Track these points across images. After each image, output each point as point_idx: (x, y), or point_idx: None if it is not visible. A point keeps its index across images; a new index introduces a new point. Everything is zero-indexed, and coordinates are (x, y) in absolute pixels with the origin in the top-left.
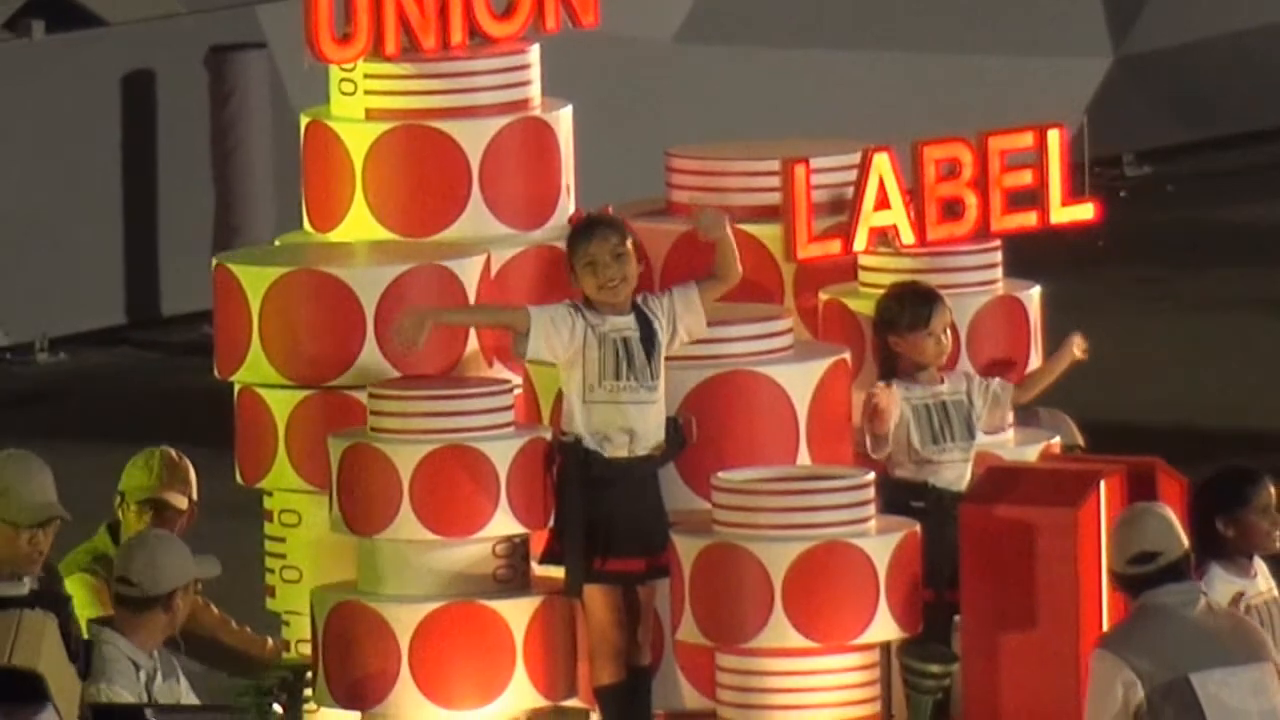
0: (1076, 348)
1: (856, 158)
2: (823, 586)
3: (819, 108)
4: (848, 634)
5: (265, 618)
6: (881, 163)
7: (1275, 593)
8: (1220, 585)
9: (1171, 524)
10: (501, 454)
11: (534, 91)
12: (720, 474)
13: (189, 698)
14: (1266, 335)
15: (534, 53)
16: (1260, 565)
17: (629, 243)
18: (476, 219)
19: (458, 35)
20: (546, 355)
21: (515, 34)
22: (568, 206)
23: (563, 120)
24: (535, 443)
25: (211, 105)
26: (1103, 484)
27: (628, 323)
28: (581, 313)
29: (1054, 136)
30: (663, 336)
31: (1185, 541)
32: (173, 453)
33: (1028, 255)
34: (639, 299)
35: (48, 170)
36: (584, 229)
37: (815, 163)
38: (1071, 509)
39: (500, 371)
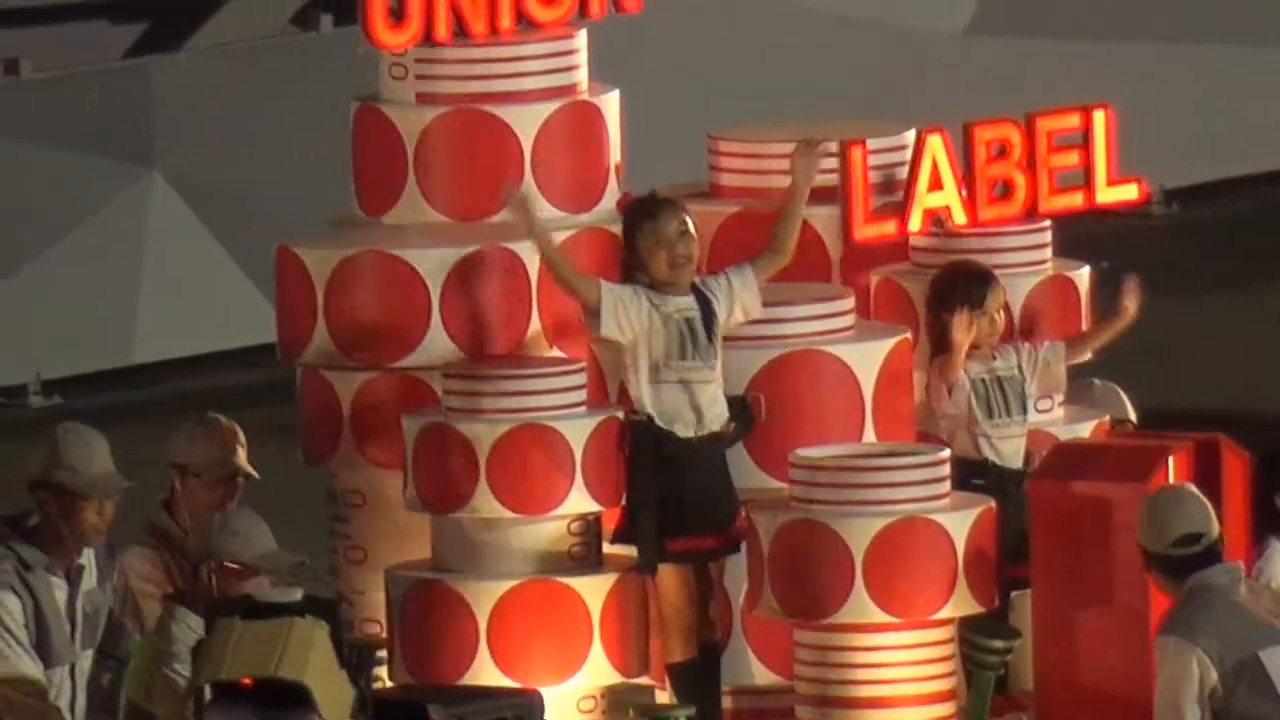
0: (1129, 297)
1: (907, 139)
2: (902, 562)
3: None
4: (927, 609)
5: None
6: (935, 144)
7: None
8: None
9: (1207, 505)
10: (577, 433)
11: (582, 76)
12: (798, 451)
13: None
14: None
15: (581, 37)
16: None
17: (691, 223)
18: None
19: (506, 20)
20: (616, 333)
21: (562, 18)
22: (616, 189)
23: (610, 104)
24: (608, 422)
25: None
26: (1171, 459)
27: (689, 303)
28: (646, 293)
29: (1099, 117)
30: (721, 315)
31: (1218, 523)
32: (223, 419)
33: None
34: (698, 280)
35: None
36: (649, 209)
37: (870, 144)
38: (1143, 483)
39: (560, 353)
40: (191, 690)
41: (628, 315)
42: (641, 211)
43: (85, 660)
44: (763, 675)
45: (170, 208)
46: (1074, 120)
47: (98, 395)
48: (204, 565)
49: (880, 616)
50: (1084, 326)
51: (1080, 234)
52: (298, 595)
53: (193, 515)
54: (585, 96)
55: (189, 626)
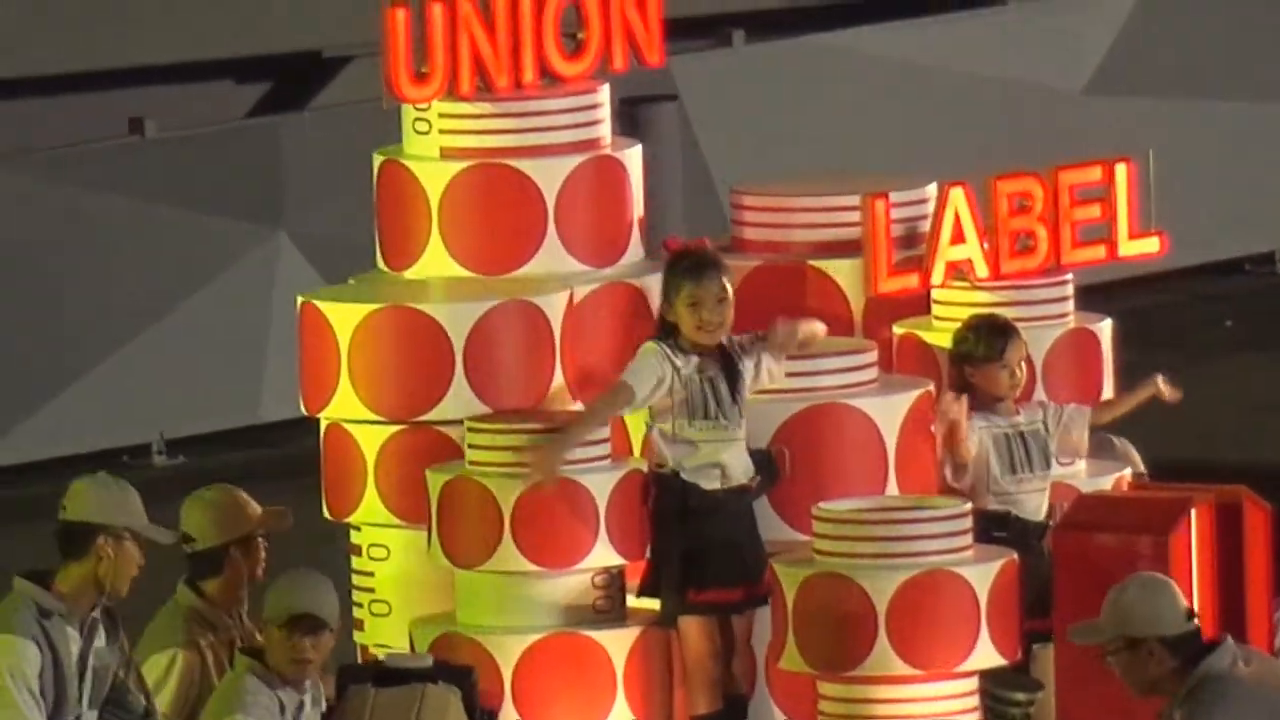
0: (1162, 386)
1: (929, 192)
2: (926, 614)
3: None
4: (951, 661)
5: (350, 650)
6: (957, 197)
7: None
8: None
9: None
10: (601, 486)
11: (605, 130)
12: (821, 505)
13: None
14: None
15: (604, 92)
16: None
17: (730, 287)
18: (552, 256)
19: (529, 75)
20: (642, 402)
21: (585, 73)
22: (639, 243)
23: (633, 158)
24: (632, 475)
25: None
26: (1194, 511)
27: (711, 362)
28: (669, 357)
29: (1121, 171)
30: (747, 377)
31: None
32: (231, 489)
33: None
34: (726, 340)
35: None
36: (693, 268)
37: (893, 198)
38: (1165, 536)
39: (583, 407)
40: None
41: (651, 383)
42: (685, 269)
43: (90, 718)
44: None
45: (296, 266)
46: (1096, 174)
47: (222, 454)
48: (274, 628)
49: (904, 669)
50: (1105, 377)
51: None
52: (429, 662)
53: (235, 584)
54: (609, 151)
55: (257, 688)
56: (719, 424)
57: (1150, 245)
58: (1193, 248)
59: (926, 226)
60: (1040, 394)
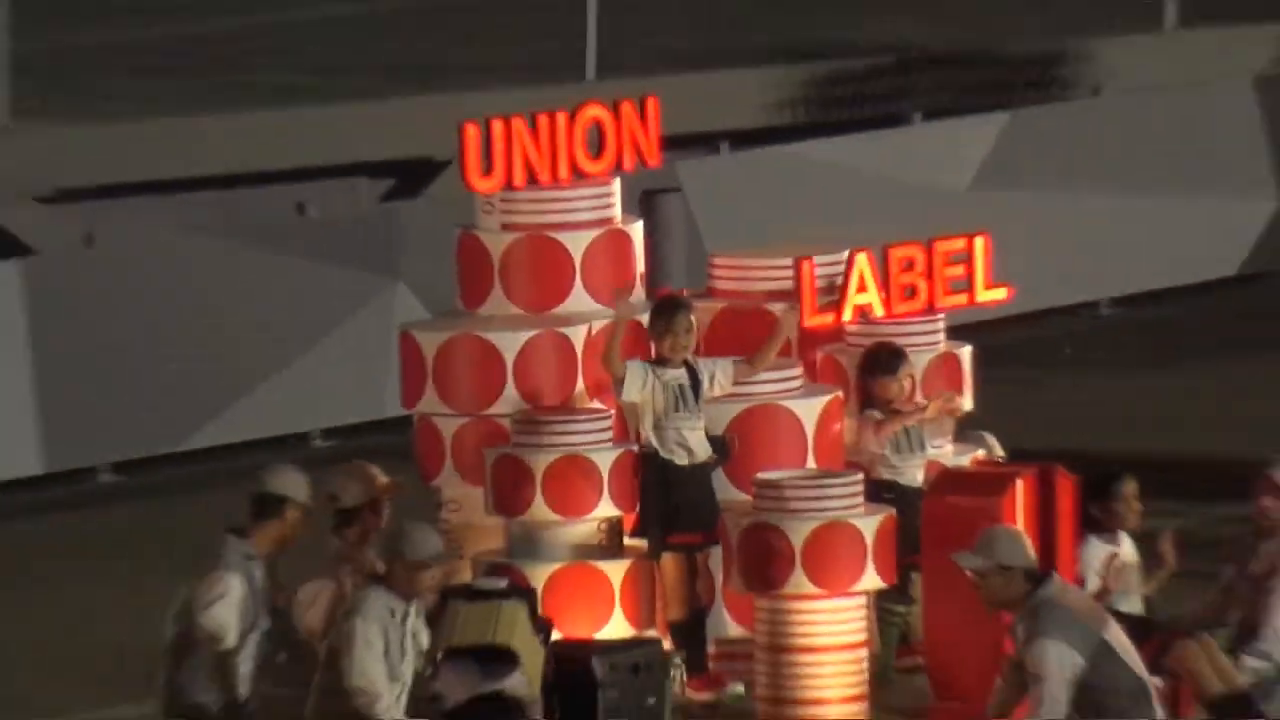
0: (946, 401)
1: (843, 256)
2: (830, 552)
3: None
4: (847, 585)
5: None
6: (862, 260)
7: (1135, 557)
8: (1096, 549)
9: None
10: (605, 461)
11: (616, 211)
12: (758, 475)
13: (422, 631)
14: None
15: (615, 184)
16: (1124, 537)
17: (694, 322)
18: (578, 300)
19: (564, 172)
20: (631, 398)
21: (604, 171)
22: (641, 292)
23: (636, 231)
24: (627, 454)
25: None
26: (1019, 481)
27: (680, 374)
28: (651, 369)
29: (979, 242)
30: (705, 386)
31: None
32: (365, 464)
33: None
34: (691, 358)
35: None
36: (669, 309)
37: (817, 260)
38: (998, 498)
39: (598, 405)
40: (430, 654)
41: (637, 386)
42: (663, 309)
43: (263, 623)
44: (735, 630)
45: (409, 307)
46: (961, 244)
47: (358, 439)
48: (394, 563)
49: (813, 590)
50: (965, 389)
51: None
52: (503, 584)
53: (367, 533)
54: (619, 226)
55: (378, 599)
56: (686, 417)
57: (1000, 294)
58: (1039, 295)
59: (841, 280)
60: (919, 398)
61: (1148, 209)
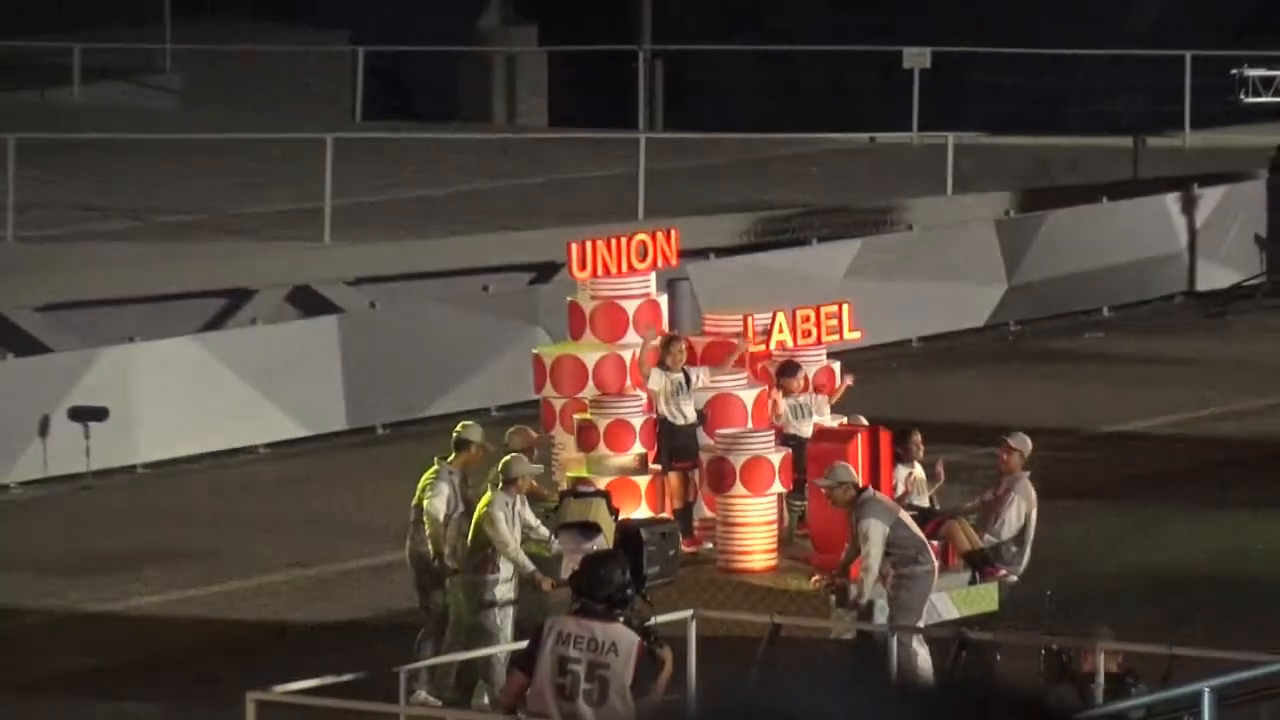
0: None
1: (770, 314)
2: (754, 471)
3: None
4: (764, 489)
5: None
6: (781, 317)
7: (923, 475)
8: (900, 471)
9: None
10: (638, 422)
11: (652, 288)
12: (718, 431)
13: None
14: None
15: (652, 277)
16: (917, 465)
17: (684, 346)
18: (629, 337)
19: (625, 267)
20: (652, 386)
21: (648, 270)
22: (659, 333)
23: (664, 301)
24: (650, 420)
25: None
26: (859, 435)
27: (679, 375)
28: (664, 373)
29: (845, 308)
30: (694, 382)
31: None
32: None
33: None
34: (686, 367)
35: None
36: (670, 341)
37: (755, 316)
38: (845, 444)
39: (638, 393)
40: (554, 527)
41: (656, 381)
42: (668, 341)
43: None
44: (707, 514)
45: (544, 342)
46: (835, 308)
47: (513, 411)
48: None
49: (744, 493)
50: (838, 385)
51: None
52: (592, 489)
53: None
54: (653, 297)
55: (502, 494)
56: (682, 400)
57: (857, 335)
58: (878, 335)
59: (767, 327)
60: (811, 390)
61: (925, 289)
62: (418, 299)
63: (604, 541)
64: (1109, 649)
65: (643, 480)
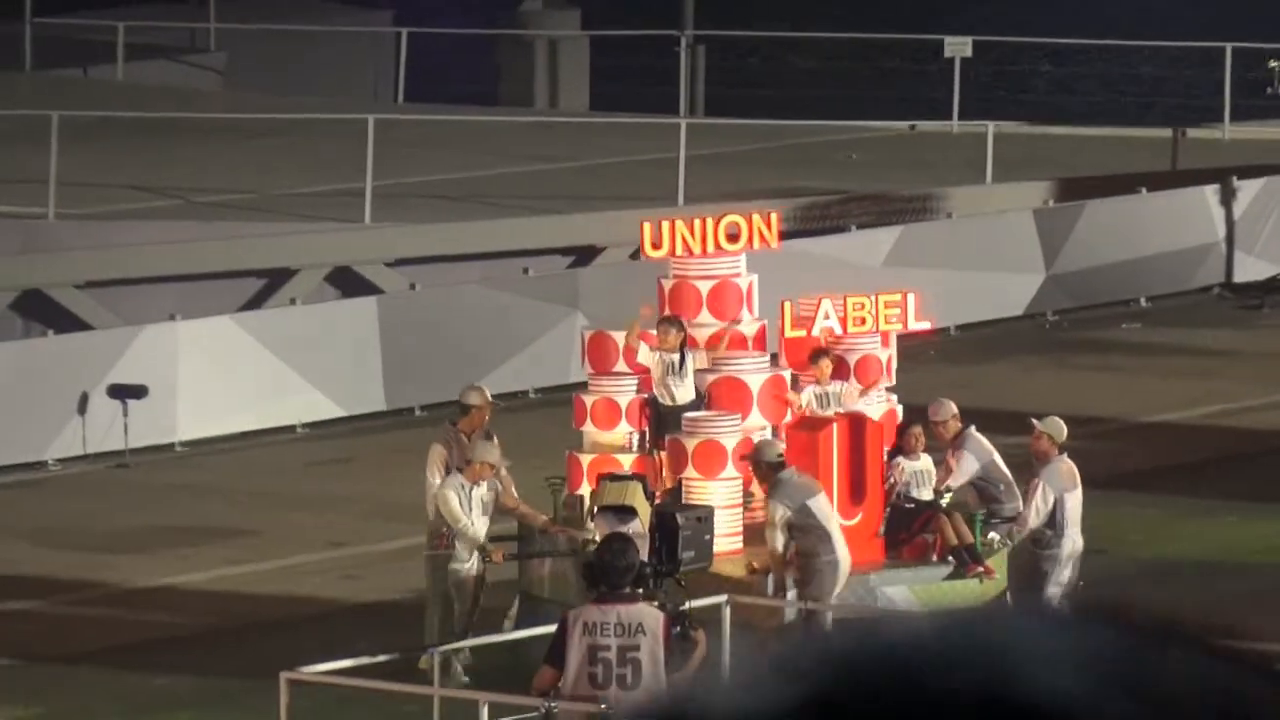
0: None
1: (815, 300)
2: (707, 455)
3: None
4: (715, 472)
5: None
6: (826, 304)
7: (930, 469)
8: (900, 464)
9: (779, 445)
10: (624, 401)
11: (743, 266)
12: (686, 414)
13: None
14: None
15: (742, 258)
16: (925, 458)
17: (683, 328)
18: (705, 317)
19: (711, 247)
20: (641, 360)
21: (738, 251)
22: (739, 315)
23: (754, 283)
24: (639, 399)
25: None
26: (834, 424)
27: (674, 357)
28: (661, 354)
29: (911, 297)
30: (688, 364)
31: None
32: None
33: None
34: (684, 348)
35: None
36: (663, 323)
37: (799, 300)
38: (818, 433)
39: (627, 371)
40: (590, 510)
41: (645, 357)
42: (661, 323)
43: None
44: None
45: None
46: (898, 297)
47: (548, 396)
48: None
49: (697, 475)
50: (884, 378)
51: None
52: (629, 473)
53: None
54: (734, 279)
55: (459, 482)
56: (675, 380)
57: (925, 325)
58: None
59: (811, 311)
60: (850, 379)
61: (964, 277)
62: (457, 281)
63: (640, 525)
64: None
65: (627, 459)
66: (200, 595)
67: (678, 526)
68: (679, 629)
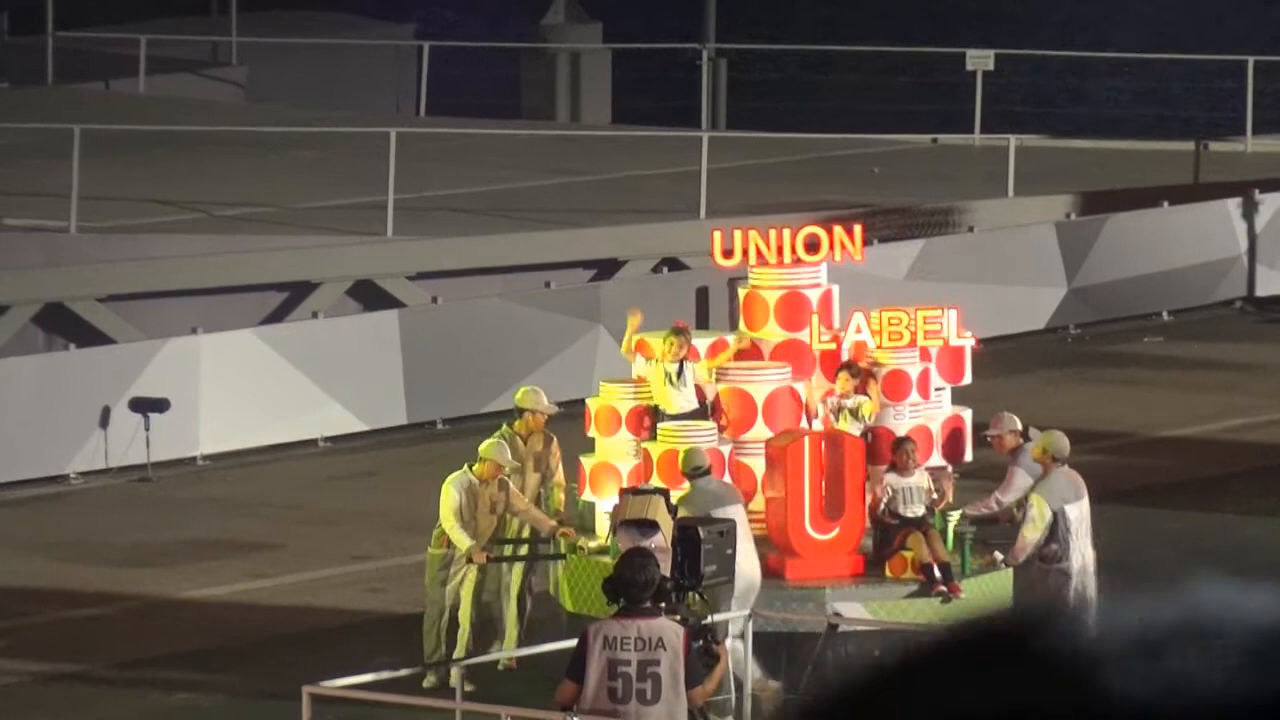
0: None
1: (850, 316)
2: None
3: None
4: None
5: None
6: (858, 317)
7: (923, 484)
8: (891, 480)
9: (702, 453)
10: (624, 408)
11: (824, 277)
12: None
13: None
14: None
15: (823, 269)
16: (920, 472)
17: (686, 340)
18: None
19: (789, 259)
20: (636, 370)
21: (818, 262)
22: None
23: (834, 294)
24: (638, 408)
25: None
26: (805, 438)
27: (674, 366)
28: (663, 364)
29: (952, 313)
30: (687, 374)
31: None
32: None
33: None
34: (685, 361)
35: None
36: (669, 335)
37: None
38: (789, 445)
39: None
40: (613, 523)
41: (647, 372)
42: (673, 332)
43: None
44: None
45: (608, 344)
46: (938, 311)
47: (567, 407)
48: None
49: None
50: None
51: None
52: (652, 488)
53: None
54: (825, 287)
55: (464, 481)
56: (671, 390)
57: (969, 339)
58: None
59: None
60: (875, 393)
61: (986, 291)
62: (479, 294)
63: (662, 539)
64: None
65: (625, 466)
66: (223, 609)
67: (699, 540)
68: (700, 644)
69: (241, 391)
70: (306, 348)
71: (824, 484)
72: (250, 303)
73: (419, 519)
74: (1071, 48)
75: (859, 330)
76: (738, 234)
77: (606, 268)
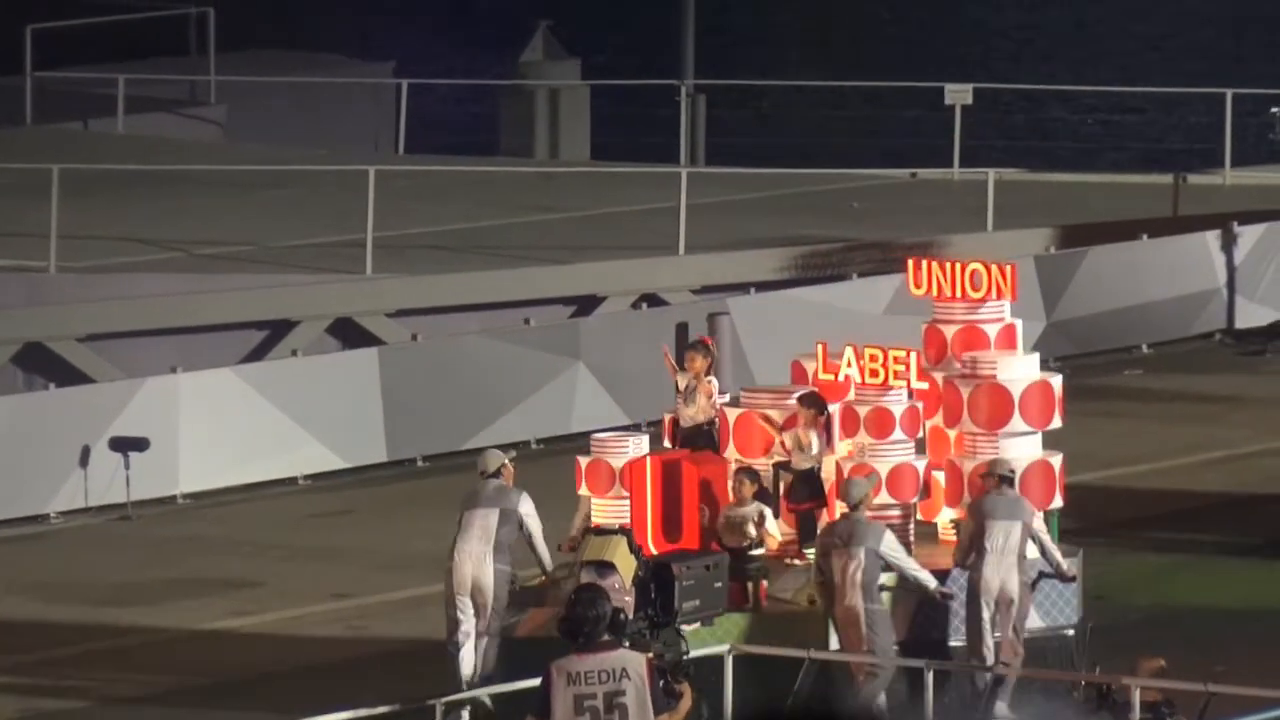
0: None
1: (844, 351)
2: (594, 474)
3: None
4: (603, 491)
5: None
6: (850, 352)
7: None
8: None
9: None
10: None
11: (1007, 313)
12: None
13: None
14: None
15: (1007, 305)
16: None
17: (709, 353)
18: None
19: (961, 293)
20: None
21: (979, 301)
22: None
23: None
24: (670, 415)
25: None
26: (648, 460)
27: (692, 379)
28: (684, 374)
29: (915, 356)
30: (696, 392)
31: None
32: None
33: None
34: (699, 375)
35: None
36: (694, 345)
37: (829, 348)
38: (630, 466)
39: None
40: (574, 565)
41: (680, 382)
42: (692, 345)
43: None
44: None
45: (589, 383)
46: (904, 353)
47: (549, 446)
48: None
49: (588, 493)
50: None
51: None
52: (616, 526)
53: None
54: (1007, 321)
55: None
56: (680, 405)
57: (925, 385)
58: None
59: (843, 359)
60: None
61: None
62: (458, 331)
63: (620, 580)
64: (1144, 684)
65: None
66: (204, 646)
67: (673, 578)
68: (663, 683)
69: (221, 430)
70: (286, 386)
71: (663, 506)
72: (230, 341)
73: (400, 556)
74: (1051, 82)
75: (849, 365)
76: (925, 265)
77: (586, 304)
